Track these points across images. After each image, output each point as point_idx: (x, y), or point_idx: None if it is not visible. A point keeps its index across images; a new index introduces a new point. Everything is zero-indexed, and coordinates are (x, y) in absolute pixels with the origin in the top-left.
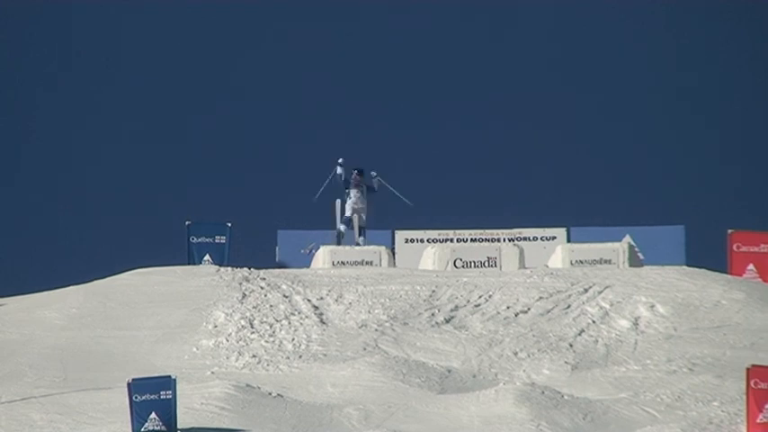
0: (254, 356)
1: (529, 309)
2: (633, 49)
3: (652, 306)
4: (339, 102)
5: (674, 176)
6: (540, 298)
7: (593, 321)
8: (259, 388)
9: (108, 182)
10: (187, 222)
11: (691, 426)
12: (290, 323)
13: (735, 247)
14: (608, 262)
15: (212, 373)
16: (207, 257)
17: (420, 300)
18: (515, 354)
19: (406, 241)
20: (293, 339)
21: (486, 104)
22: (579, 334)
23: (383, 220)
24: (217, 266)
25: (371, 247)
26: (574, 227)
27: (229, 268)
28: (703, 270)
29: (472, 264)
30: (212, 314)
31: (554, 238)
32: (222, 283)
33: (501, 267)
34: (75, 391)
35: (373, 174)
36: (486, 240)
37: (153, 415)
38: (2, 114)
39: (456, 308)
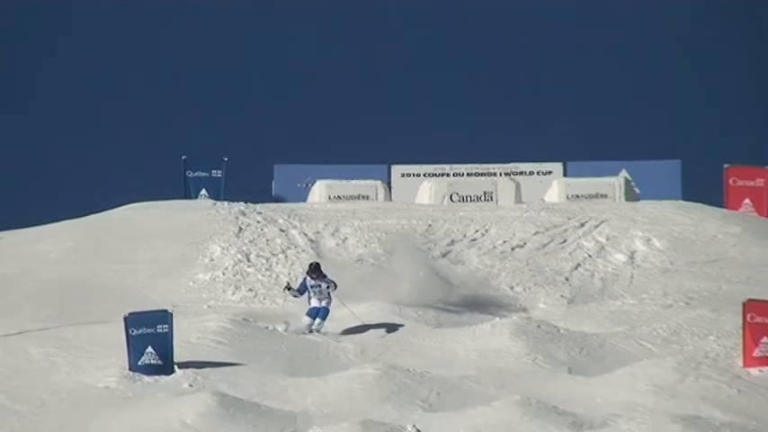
0: (250, 290)
1: (525, 243)
2: None
3: (648, 240)
4: (338, 35)
5: (671, 111)
6: (537, 232)
7: (590, 256)
8: (255, 321)
9: (105, 116)
10: (183, 157)
11: (687, 359)
12: (286, 257)
13: (731, 182)
14: (604, 196)
15: (209, 306)
16: (203, 192)
17: (416, 234)
18: (511, 288)
19: (403, 176)
20: (289, 273)
21: (487, 37)
22: (575, 268)
23: (380, 155)
24: (213, 201)
25: (368, 181)
26: (570, 161)
27: (226, 202)
28: (700, 204)
29: (468, 198)
30: (209, 248)
31: (550, 172)
32: (218, 217)
33: (497, 202)
34: (72, 324)
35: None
36: (483, 175)
37: (149, 349)
38: None
39: (452, 242)
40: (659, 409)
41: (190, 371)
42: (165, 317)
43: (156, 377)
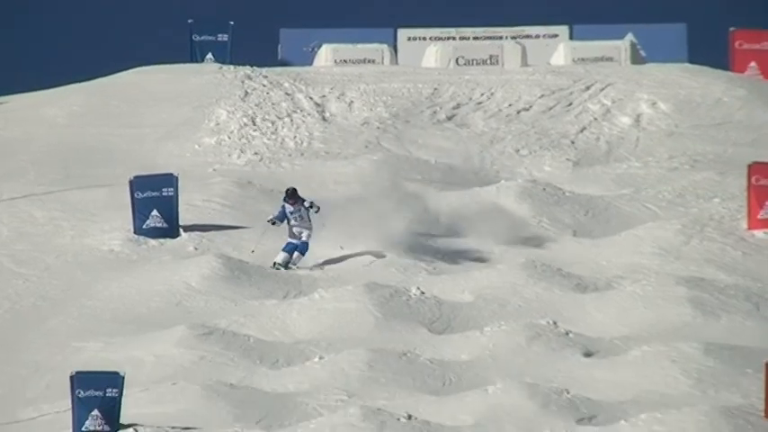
0: (255, 154)
1: (531, 106)
2: None
3: (654, 103)
4: None
5: None
6: (542, 95)
7: (595, 119)
8: (261, 185)
9: None
10: (189, 20)
11: (692, 222)
12: (292, 121)
13: (737, 45)
14: (610, 59)
15: (214, 170)
16: (209, 56)
17: (422, 97)
18: (517, 151)
19: (409, 39)
20: (295, 137)
21: None
22: (581, 131)
23: (386, 18)
24: (219, 65)
25: (374, 45)
26: (576, 24)
27: (232, 66)
28: (705, 67)
29: (474, 62)
30: (214, 112)
31: (556, 35)
32: (224, 81)
33: (503, 65)
34: (77, 188)
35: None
36: (489, 38)
37: (154, 212)
38: None
39: (458, 105)
40: (664, 271)
41: (195, 234)
42: (170, 180)
43: (161, 240)
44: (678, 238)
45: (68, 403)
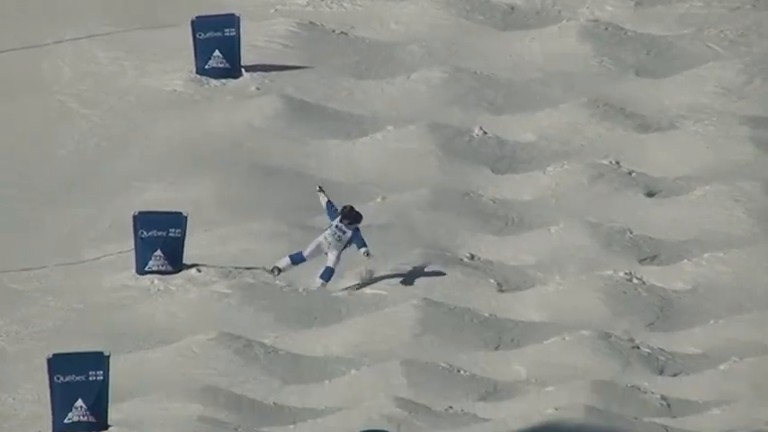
0: None
1: None
2: None
3: None
4: None
5: None
6: None
7: None
8: (323, 25)
9: None
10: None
11: (754, 61)
12: None
13: None
14: None
15: (276, 10)
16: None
17: None
18: None
19: None
20: None
21: None
22: None
23: None
24: None
25: None
26: None
27: None
28: None
29: None
30: None
31: None
32: None
33: None
34: (140, 28)
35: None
36: None
37: (216, 52)
38: None
39: None
40: (726, 111)
41: (257, 74)
42: (232, 21)
43: (224, 81)
44: (740, 78)
45: (131, 244)
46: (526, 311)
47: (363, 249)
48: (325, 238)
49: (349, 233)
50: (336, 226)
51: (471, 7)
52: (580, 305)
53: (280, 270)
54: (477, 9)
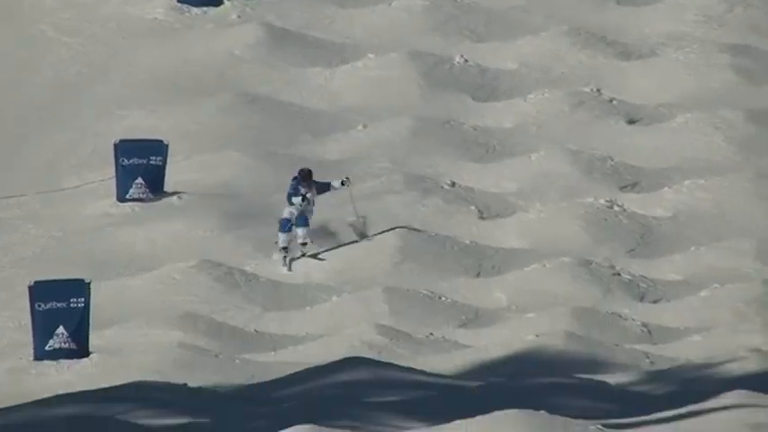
0: None
1: None
2: None
3: None
4: None
5: None
6: None
7: None
8: None
9: None
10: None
11: None
12: None
13: None
14: None
15: None
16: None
17: None
18: None
19: None
20: None
21: None
22: None
23: None
24: None
25: None
26: None
27: None
28: None
29: None
30: None
31: None
32: None
33: None
34: None
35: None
36: None
37: None
38: None
39: None
40: (708, 39)
41: (238, 2)
42: None
43: (205, 9)
44: (721, 6)
45: (112, 171)
46: (507, 239)
47: (336, 182)
48: (292, 213)
49: (312, 195)
50: (303, 199)
51: None
52: (561, 232)
53: (286, 249)
54: None
